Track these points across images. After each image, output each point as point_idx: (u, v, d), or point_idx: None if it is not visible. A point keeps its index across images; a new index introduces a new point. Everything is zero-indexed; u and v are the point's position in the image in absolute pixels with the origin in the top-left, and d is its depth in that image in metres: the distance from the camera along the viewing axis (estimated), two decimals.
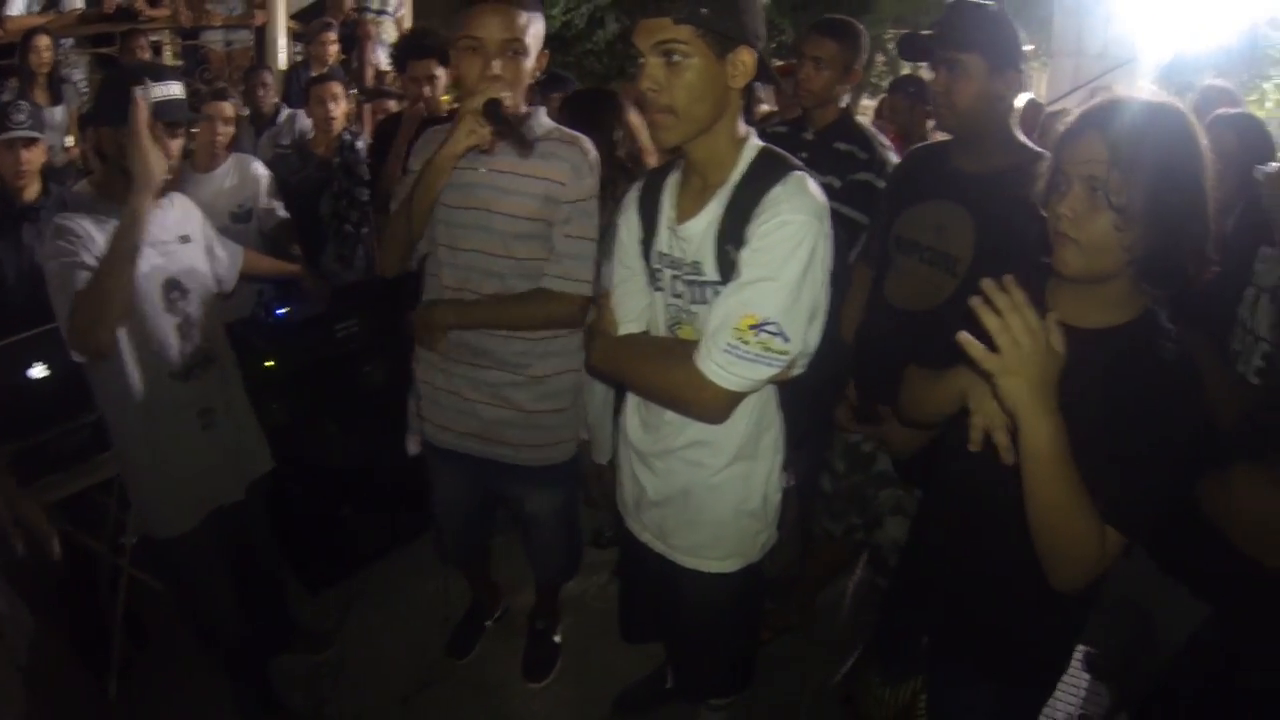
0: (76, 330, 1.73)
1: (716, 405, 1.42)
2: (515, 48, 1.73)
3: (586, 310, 1.93)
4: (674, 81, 1.32)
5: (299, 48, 5.69)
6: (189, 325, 2.00)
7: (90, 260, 1.75)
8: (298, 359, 2.71)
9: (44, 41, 4.41)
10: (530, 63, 1.79)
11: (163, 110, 1.81)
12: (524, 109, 1.87)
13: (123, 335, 1.86)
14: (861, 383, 2.14)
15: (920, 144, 2.25)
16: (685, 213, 1.49)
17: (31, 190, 2.73)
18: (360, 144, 3.51)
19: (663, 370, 1.48)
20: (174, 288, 1.98)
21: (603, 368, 1.66)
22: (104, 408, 1.98)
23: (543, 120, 1.92)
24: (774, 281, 1.33)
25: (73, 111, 4.63)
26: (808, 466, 2.41)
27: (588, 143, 1.91)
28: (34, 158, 2.73)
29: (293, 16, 5.83)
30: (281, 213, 3.21)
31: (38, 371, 2.26)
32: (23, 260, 2.69)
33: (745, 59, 1.34)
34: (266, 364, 2.68)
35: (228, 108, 3.25)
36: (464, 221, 1.89)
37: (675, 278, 1.52)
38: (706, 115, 1.36)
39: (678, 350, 1.46)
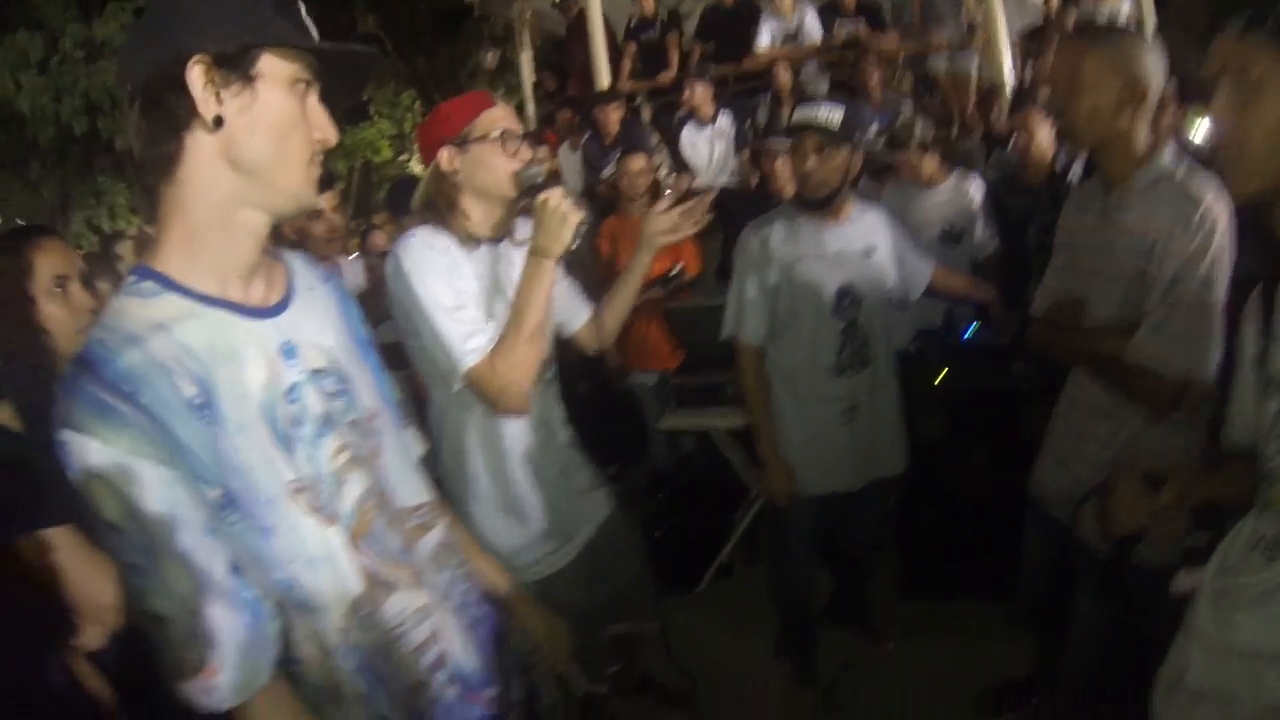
0: None
1: None
2: None
3: None
4: (1247, 118, 0.95)
5: (1028, 67, 5.62)
6: (853, 330, 2.23)
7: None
8: (968, 382, 2.76)
9: (783, 68, 5.18)
10: None
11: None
12: None
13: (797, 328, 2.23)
14: None
15: None
16: None
17: (788, 190, 3.27)
18: (1076, 167, 3.35)
19: None
20: (846, 295, 2.22)
21: None
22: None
23: None
24: None
25: None
26: None
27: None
28: (788, 166, 3.26)
29: (1023, 36, 5.77)
30: (995, 244, 3.27)
31: None
32: None
33: None
34: (936, 378, 2.79)
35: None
36: None
37: None
38: None
39: None
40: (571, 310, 1.94)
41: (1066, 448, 1.86)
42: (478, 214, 1.69)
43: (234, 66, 0.88)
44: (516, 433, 1.76)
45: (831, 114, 2.14)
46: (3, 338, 1.42)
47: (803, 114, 2.19)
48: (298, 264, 1.12)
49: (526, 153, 1.69)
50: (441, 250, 1.62)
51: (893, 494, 2.60)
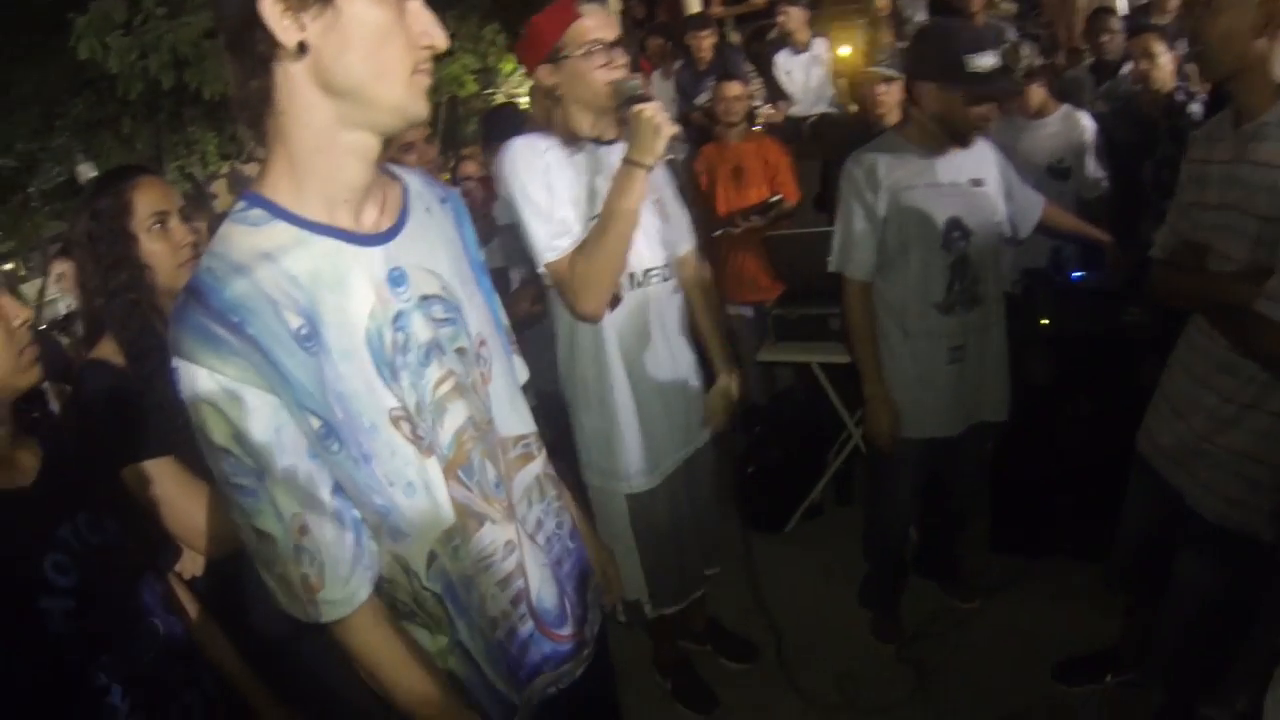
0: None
1: None
2: None
3: None
4: None
5: None
6: (963, 264, 2.13)
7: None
8: (1075, 327, 2.64)
9: None
10: None
11: (977, 82, 1.93)
12: None
13: (906, 261, 2.13)
14: None
15: None
16: None
17: (891, 118, 3.12)
18: (1195, 106, 3.10)
19: None
20: (956, 227, 2.11)
21: None
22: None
23: None
24: None
25: None
26: None
27: None
28: (891, 94, 3.13)
29: None
30: (1105, 184, 3.09)
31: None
32: None
33: None
34: (1042, 321, 2.69)
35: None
36: None
37: None
38: None
39: None
40: (679, 233, 2.01)
41: (1182, 398, 1.74)
42: (583, 122, 1.76)
43: None
44: (621, 337, 1.83)
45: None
46: (105, 275, 1.45)
47: (994, 60, 1.99)
48: (416, 183, 1.09)
49: (621, 59, 1.72)
50: (540, 151, 1.72)
51: (990, 439, 2.53)
